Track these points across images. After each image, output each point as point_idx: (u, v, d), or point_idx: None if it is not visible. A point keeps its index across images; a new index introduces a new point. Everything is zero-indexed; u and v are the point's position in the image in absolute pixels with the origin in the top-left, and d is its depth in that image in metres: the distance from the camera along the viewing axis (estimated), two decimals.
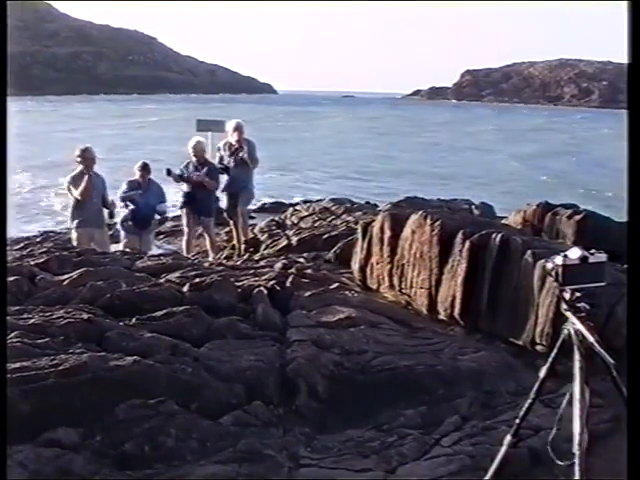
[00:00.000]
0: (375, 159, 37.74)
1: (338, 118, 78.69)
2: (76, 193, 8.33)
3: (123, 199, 8.84)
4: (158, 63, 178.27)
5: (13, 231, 11.67)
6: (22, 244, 9.65)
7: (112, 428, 3.29)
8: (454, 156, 41.40)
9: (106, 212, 8.73)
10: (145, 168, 9.00)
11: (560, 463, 2.65)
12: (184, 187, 9.49)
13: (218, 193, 10.09)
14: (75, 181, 8.41)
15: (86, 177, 8.32)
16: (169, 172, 9.37)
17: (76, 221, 8.49)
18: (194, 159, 9.40)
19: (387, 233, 5.69)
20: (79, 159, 8.43)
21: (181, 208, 9.64)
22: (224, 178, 9.67)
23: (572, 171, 34.83)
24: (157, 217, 9.45)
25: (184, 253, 9.32)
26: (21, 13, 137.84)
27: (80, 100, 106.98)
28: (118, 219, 8.94)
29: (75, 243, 8.31)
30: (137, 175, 8.97)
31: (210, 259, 8.80)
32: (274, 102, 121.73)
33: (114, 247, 8.71)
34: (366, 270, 5.95)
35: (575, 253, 2.71)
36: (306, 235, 9.81)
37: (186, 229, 9.71)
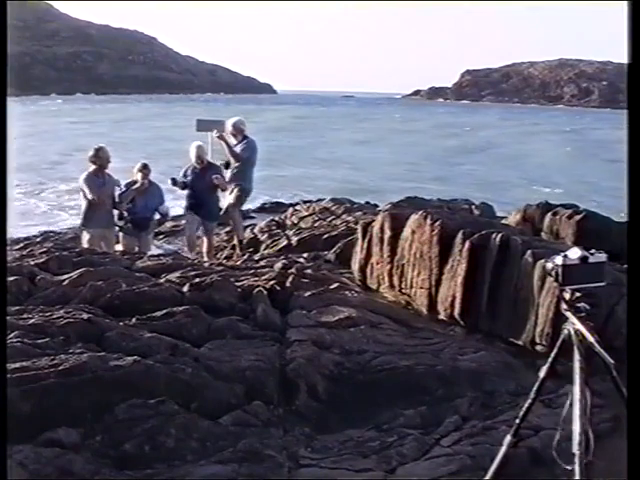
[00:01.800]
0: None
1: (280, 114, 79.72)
2: (91, 196, 8.24)
3: (121, 199, 8.75)
4: (158, 63, 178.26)
5: None
6: (22, 244, 9.66)
7: (112, 428, 3.29)
8: (341, 149, 43.19)
9: (116, 213, 8.69)
10: (145, 168, 8.91)
11: (568, 468, 2.63)
12: (188, 191, 9.36)
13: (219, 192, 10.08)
14: (89, 181, 8.33)
15: (104, 180, 8.34)
16: (174, 181, 9.27)
17: (89, 222, 8.42)
18: (196, 164, 9.25)
19: (387, 233, 5.69)
20: (93, 159, 8.36)
21: (187, 211, 9.57)
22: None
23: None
24: (157, 217, 9.39)
25: (188, 250, 9.29)
26: (21, 13, 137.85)
27: (76, 100, 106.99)
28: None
29: (86, 244, 8.24)
30: (137, 176, 8.88)
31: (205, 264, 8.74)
32: (252, 101, 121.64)
33: (115, 247, 8.69)
34: (366, 270, 5.95)
35: (575, 253, 2.71)
36: (306, 235, 9.82)
37: (188, 232, 9.59)
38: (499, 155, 42.26)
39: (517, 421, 2.91)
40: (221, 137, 9.62)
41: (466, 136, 56.88)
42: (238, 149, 9.49)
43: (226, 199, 9.78)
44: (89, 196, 8.27)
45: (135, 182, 8.80)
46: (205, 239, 9.58)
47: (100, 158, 8.36)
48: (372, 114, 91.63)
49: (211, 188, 9.22)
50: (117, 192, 8.69)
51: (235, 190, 9.54)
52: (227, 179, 9.60)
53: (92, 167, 8.37)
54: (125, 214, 8.71)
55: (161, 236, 12.20)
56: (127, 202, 8.68)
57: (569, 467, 2.59)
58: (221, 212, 9.94)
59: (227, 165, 9.55)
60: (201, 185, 9.17)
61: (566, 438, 2.65)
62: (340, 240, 8.03)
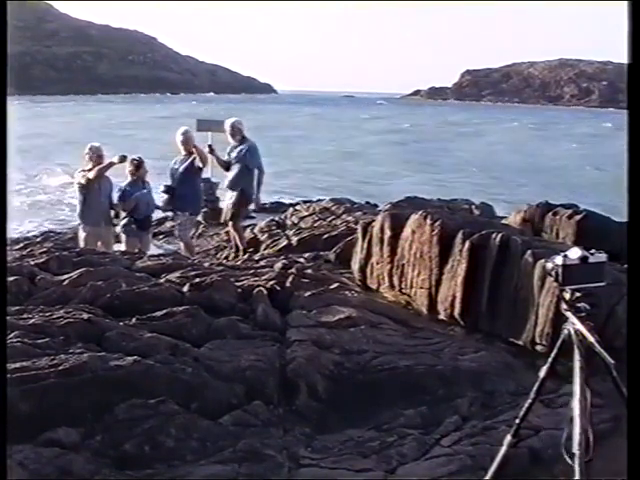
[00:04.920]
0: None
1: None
2: (90, 174, 8.16)
3: (124, 205, 8.68)
4: (158, 63, 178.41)
5: None
6: (22, 244, 9.66)
7: (112, 428, 3.29)
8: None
9: (112, 212, 8.68)
10: (141, 164, 8.79)
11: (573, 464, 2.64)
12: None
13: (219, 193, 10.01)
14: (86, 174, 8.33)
15: (102, 180, 8.30)
16: (168, 190, 9.04)
17: (85, 220, 8.44)
18: (182, 149, 8.91)
19: (387, 233, 5.69)
20: (87, 157, 8.36)
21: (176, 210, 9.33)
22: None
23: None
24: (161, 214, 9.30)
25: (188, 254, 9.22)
26: (21, 13, 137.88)
27: (75, 100, 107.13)
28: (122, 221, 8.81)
29: (82, 243, 8.26)
30: (133, 174, 8.75)
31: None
32: (199, 99, 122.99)
33: (115, 247, 8.69)
34: (366, 270, 5.95)
35: (575, 253, 2.71)
36: (306, 235, 9.80)
37: (184, 238, 9.36)
38: (331, 147, 45.64)
39: (517, 421, 2.91)
40: (211, 151, 9.51)
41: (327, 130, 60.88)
42: (235, 153, 9.38)
43: (226, 202, 9.69)
44: (89, 176, 8.15)
45: (135, 181, 8.78)
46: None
47: (93, 156, 8.34)
48: (296, 112, 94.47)
49: (192, 174, 8.87)
50: (115, 193, 8.67)
51: (235, 195, 9.35)
52: (226, 183, 9.51)
53: (87, 166, 8.38)
54: (123, 214, 8.70)
55: (161, 236, 12.20)
56: (128, 209, 8.64)
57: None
58: (222, 216, 9.83)
59: (227, 168, 9.47)
60: (182, 174, 8.86)
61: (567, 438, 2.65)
62: (340, 240, 8.02)
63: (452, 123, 76.51)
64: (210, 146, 9.72)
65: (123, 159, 8.32)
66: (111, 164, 8.30)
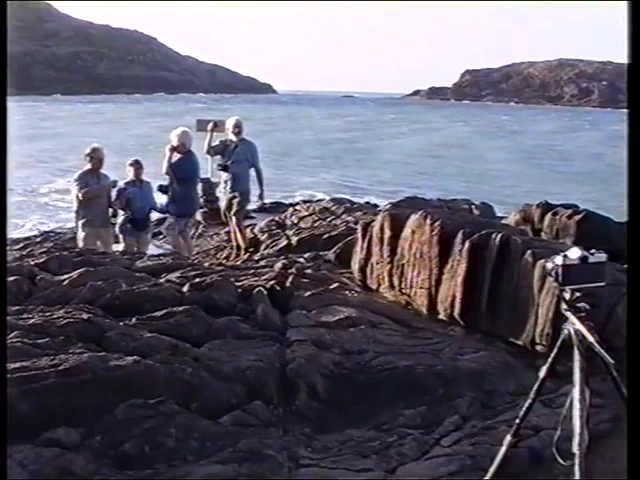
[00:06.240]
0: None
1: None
2: (82, 193, 8.20)
3: (119, 199, 8.68)
4: (158, 63, 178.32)
5: None
6: (22, 244, 9.66)
7: (112, 428, 3.29)
8: None
9: (110, 211, 8.69)
10: (137, 164, 8.77)
11: (564, 464, 2.65)
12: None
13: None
14: (82, 180, 8.32)
15: (98, 180, 8.36)
16: (162, 188, 9.04)
17: (83, 221, 8.42)
18: (175, 151, 8.83)
19: (387, 233, 5.69)
20: (88, 158, 8.38)
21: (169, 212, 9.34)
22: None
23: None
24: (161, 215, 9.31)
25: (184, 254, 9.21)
26: (21, 13, 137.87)
27: (78, 100, 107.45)
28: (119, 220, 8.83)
29: (81, 243, 8.26)
30: (129, 173, 8.75)
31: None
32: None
33: (114, 247, 8.70)
34: (366, 270, 5.95)
35: (575, 253, 2.71)
36: (306, 235, 9.80)
37: (172, 239, 9.41)
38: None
39: (517, 421, 2.91)
40: (213, 130, 9.58)
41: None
42: (238, 153, 9.35)
43: (228, 201, 9.70)
44: (81, 196, 8.22)
45: (133, 181, 8.80)
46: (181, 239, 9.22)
47: (94, 158, 8.36)
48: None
49: (187, 178, 8.86)
50: (114, 192, 8.67)
51: (240, 194, 9.39)
52: (228, 183, 9.51)
53: (87, 166, 8.39)
54: (120, 212, 8.70)
55: (161, 236, 12.19)
56: (121, 205, 8.65)
57: (565, 463, 2.61)
58: (226, 215, 9.85)
59: (225, 168, 9.46)
60: (177, 175, 8.82)
61: (565, 438, 2.65)
62: (340, 240, 8.01)
63: (421, 121, 78.12)
64: (215, 123, 9.73)
65: (114, 184, 8.59)
66: (104, 188, 8.44)
